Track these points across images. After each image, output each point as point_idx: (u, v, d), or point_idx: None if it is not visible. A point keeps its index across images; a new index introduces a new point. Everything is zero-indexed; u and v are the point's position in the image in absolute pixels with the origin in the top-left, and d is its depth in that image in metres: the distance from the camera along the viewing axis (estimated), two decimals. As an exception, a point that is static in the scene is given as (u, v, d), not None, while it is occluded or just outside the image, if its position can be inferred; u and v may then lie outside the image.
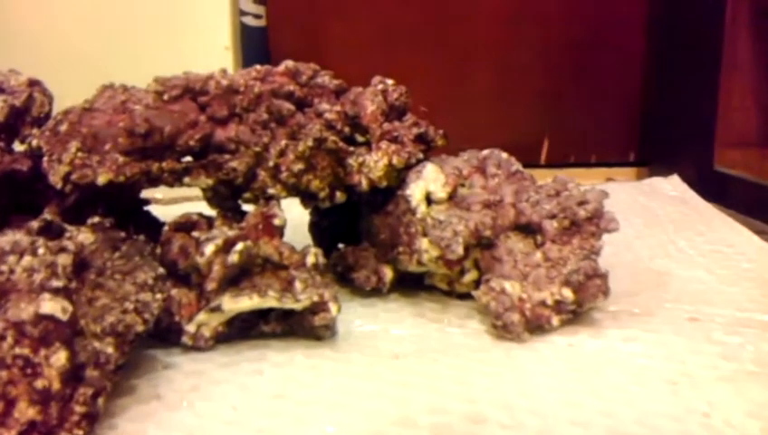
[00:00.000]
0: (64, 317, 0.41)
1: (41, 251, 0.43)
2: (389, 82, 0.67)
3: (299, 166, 0.60)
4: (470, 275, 0.63)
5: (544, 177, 0.68)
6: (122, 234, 0.57)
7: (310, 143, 0.60)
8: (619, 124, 1.25)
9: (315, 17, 1.22)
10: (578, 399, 0.47)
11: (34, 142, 0.64)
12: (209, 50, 1.13)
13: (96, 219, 0.58)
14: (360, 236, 0.68)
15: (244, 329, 0.57)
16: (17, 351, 0.40)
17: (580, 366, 0.52)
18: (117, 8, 1.08)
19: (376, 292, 0.65)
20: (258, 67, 0.63)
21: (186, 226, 0.61)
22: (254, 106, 0.61)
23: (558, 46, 1.23)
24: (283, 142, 0.60)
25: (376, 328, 0.59)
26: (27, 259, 0.43)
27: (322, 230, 0.71)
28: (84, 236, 0.55)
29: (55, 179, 0.60)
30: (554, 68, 1.23)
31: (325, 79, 0.65)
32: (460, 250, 0.59)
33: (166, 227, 0.62)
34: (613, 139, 1.25)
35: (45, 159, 0.61)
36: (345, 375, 0.50)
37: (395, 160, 0.62)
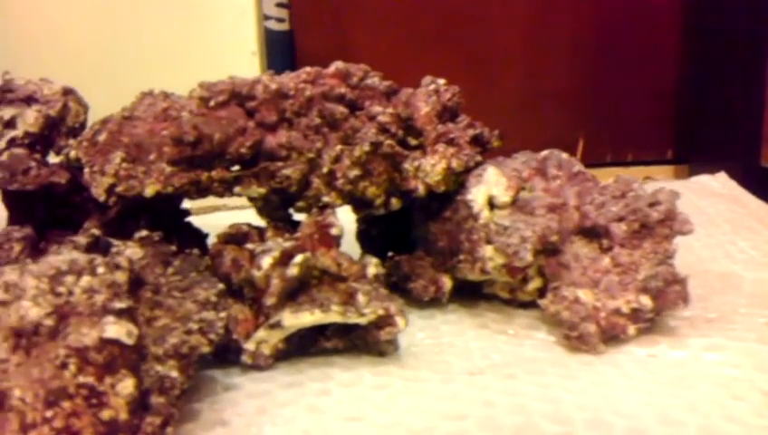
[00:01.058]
0: (130, 341, 0.38)
1: (100, 270, 0.40)
2: (441, 81, 0.64)
3: (355, 172, 0.57)
4: (534, 283, 0.60)
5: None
6: (173, 248, 0.55)
7: (366, 148, 0.56)
8: (655, 122, 1.22)
9: (340, 20, 1.20)
10: (676, 416, 0.44)
11: (72, 154, 0.62)
12: (237, 56, 1.10)
13: (144, 233, 0.55)
14: (414, 244, 0.65)
15: (303, 345, 0.54)
16: (81, 379, 0.37)
17: (668, 379, 0.49)
18: (143, 17, 1.06)
19: (433, 302, 0.62)
20: (308, 69, 0.60)
21: (237, 237, 0.58)
22: (305, 110, 0.58)
23: (590, 44, 1.20)
24: (339, 148, 0.56)
25: (440, 341, 0.56)
26: (86, 279, 0.40)
27: (372, 238, 0.68)
28: (132, 250, 0.52)
29: (98, 192, 0.57)
30: (587, 66, 1.20)
31: (375, 80, 0.62)
32: (529, 257, 0.56)
33: (213, 240, 0.59)
34: (650, 136, 1.22)
35: (86, 170, 0.58)
36: (419, 394, 0.47)
37: (454, 164, 0.59)
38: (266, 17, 1.21)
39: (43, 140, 0.64)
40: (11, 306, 0.39)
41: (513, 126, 1.17)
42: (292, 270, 0.52)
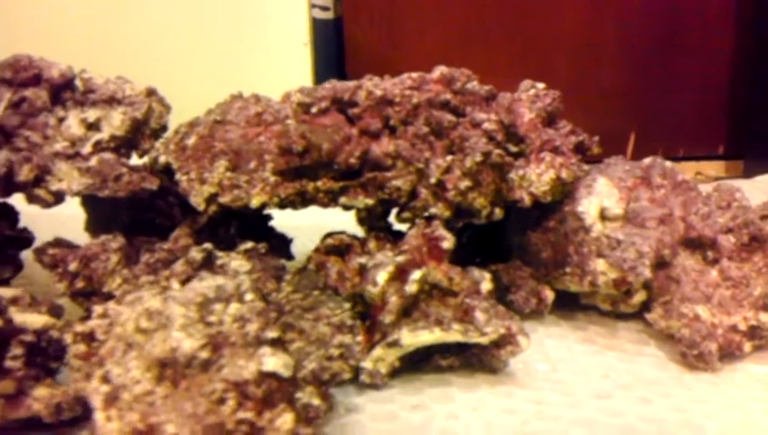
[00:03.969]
0: (287, 374, 0.36)
1: (248, 297, 0.39)
2: (540, 86, 0.62)
3: (465, 183, 0.55)
4: (639, 296, 0.58)
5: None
6: (282, 261, 0.53)
7: (478, 159, 0.54)
8: (707, 117, 1.20)
9: (391, 8, 1.17)
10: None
11: (162, 159, 0.60)
12: (288, 46, 1.08)
13: (249, 245, 0.53)
14: (508, 253, 0.63)
15: (416, 362, 0.52)
16: (241, 415, 0.35)
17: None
18: (196, 9, 1.03)
19: (532, 314, 0.61)
20: (413, 75, 0.58)
21: (340, 249, 0.56)
22: (411, 118, 0.56)
23: (642, 38, 1.18)
24: (449, 158, 0.55)
25: (549, 357, 0.55)
26: (235, 306, 0.38)
27: (461, 247, 0.66)
28: (238, 263, 0.50)
29: (198, 201, 0.55)
30: (640, 61, 1.18)
31: (475, 84, 0.60)
32: (647, 273, 0.54)
33: (314, 251, 0.57)
34: (702, 132, 1.20)
35: (181, 178, 0.56)
36: (552, 421, 0.46)
37: (564, 175, 0.57)
38: (312, 5, 1.19)
39: (128, 142, 0.62)
40: (155, 335, 0.38)
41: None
42: (411, 287, 0.50)
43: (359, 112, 0.56)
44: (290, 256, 0.65)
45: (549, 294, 0.60)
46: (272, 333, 0.38)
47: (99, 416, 0.37)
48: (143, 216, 0.64)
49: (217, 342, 0.37)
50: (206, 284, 0.39)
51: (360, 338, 0.45)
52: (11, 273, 0.64)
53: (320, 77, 1.11)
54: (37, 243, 0.63)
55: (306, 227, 0.68)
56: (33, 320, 0.44)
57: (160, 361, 0.37)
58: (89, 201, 0.63)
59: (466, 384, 0.50)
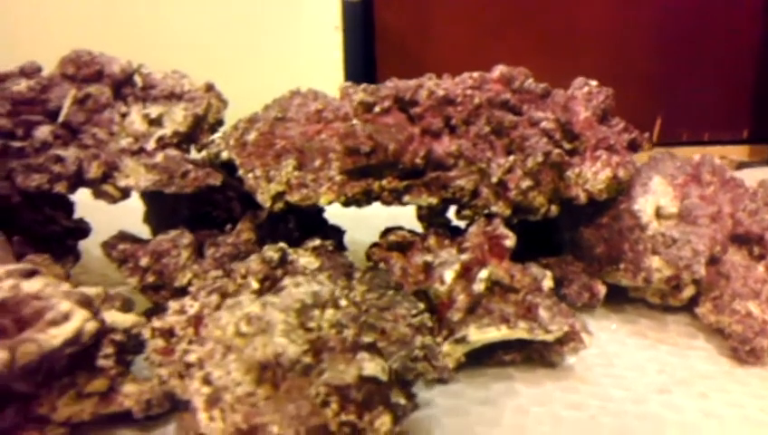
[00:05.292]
0: (384, 378, 0.38)
1: (343, 303, 0.40)
2: (593, 83, 0.63)
3: (527, 182, 0.56)
4: (688, 291, 0.60)
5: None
6: (349, 259, 0.54)
7: (540, 159, 0.56)
8: (732, 101, 1.21)
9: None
10: None
11: (224, 155, 0.61)
12: (320, 31, 1.08)
13: (317, 242, 0.55)
14: (559, 247, 0.65)
15: (479, 356, 0.54)
16: (343, 417, 0.37)
17: None
18: None
19: (583, 307, 0.62)
20: (474, 75, 0.59)
21: (402, 245, 0.57)
22: (473, 118, 0.57)
23: (671, 24, 1.18)
24: (511, 158, 0.56)
25: (605, 351, 0.57)
26: (331, 312, 0.40)
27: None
28: (307, 260, 0.52)
29: (264, 198, 0.56)
30: (667, 46, 1.19)
31: (531, 82, 0.61)
32: (702, 271, 0.56)
33: (375, 247, 0.59)
34: (727, 116, 1.21)
35: (249, 176, 0.57)
36: (620, 417, 0.48)
37: (621, 174, 0.58)
38: (341, -12, 1.18)
39: (188, 137, 0.63)
40: (255, 340, 0.39)
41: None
42: (479, 286, 0.52)
43: (420, 112, 0.57)
44: (343, 247, 0.66)
45: (601, 289, 0.61)
46: (367, 339, 0.39)
47: (202, 416, 0.39)
48: (202, 208, 0.65)
49: (317, 347, 0.38)
50: (303, 290, 0.40)
51: (440, 339, 0.47)
52: (72, 263, 0.66)
53: (349, 61, 1.12)
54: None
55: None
56: (124, 319, 0.46)
57: (261, 364, 0.39)
58: (149, 194, 0.64)
59: (530, 379, 0.52)
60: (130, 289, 0.59)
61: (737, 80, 1.21)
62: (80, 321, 0.39)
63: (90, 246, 0.68)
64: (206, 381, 0.40)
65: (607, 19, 1.18)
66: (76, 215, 0.67)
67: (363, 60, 1.16)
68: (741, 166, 1.19)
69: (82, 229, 0.68)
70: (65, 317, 0.39)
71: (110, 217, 0.65)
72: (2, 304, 0.37)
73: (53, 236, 0.65)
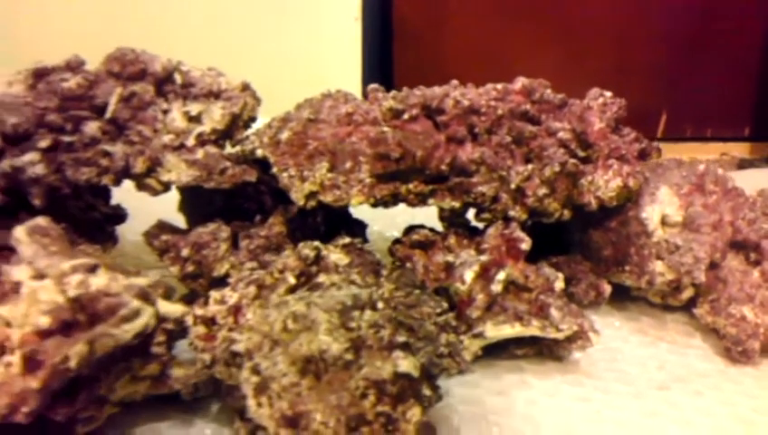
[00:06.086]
0: (416, 374, 0.43)
1: (380, 305, 0.45)
2: (608, 94, 0.67)
3: (544, 190, 0.60)
4: (687, 293, 0.65)
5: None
6: (377, 256, 0.59)
7: (556, 168, 0.60)
8: (735, 98, 1.25)
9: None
10: None
11: (259, 152, 0.65)
12: (340, 21, 1.11)
13: (347, 240, 0.59)
14: (568, 247, 0.69)
15: (493, 350, 0.59)
16: (380, 408, 0.42)
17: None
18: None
19: (590, 305, 0.67)
20: (497, 86, 0.62)
21: (424, 244, 0.62)
22: (496, 127, 0.61)
23: (674, 19, 1.21)
24: (529, 166, 0.60)
25: (608, 346, 0.61)
26: (369, 313, 0.44)
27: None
28: (337, 257, 0.56)
29: (298, 196, 0.60)
30: (672, 41, 1.22)
31: (549, 93, 0.65)
32: (702, 277, 0.60)
33: (398, 244, 0.63)
34: (730, 113, 1.25)
35: (283, 175, 0.61)
36: (621, 410, 0.52)
37: (631, 183, 0.62)
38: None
39: (225, 134, 0.67)
40: (300, 335, 0.44)
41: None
42: (497, 287, 0.56)
43: (446, 120, 0.61)
44: (366, 240, 0.70)
45: (607, 288, 0.66)
46: (401, 338, 0.44)
47: (251, 402, 0.44)
48: (235, 200, 0.69)
49: (357, 345, 0.43)
50: (344, 293, 0.45)
51: (463, 337, 0.51)
52: (111, 247, 0.70)
53: (366, 51, 1.15)
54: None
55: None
56: (174, 309, 0.50)
57: (306, 358, 0.43)
58: (186, 186, 0.68)
59: (540, 371, 0.57)
60: (161, 273, 0.63)
61: (740, 78, 1.24)
62: (148, 317, 0.44)
63: (124, 231, 0.73)
64: (255, 370, 0.44)
65: (615, 13, 1.21)
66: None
67: (380, 50, 1.19)
68: (742, 162, 1.23)
69: (120, 215, 0.72)
70: (136, 314, 0.43)
71: (140, 202, 0.69)
72: (77, 300, 0.42)
73: (94, 222, 0.69)
